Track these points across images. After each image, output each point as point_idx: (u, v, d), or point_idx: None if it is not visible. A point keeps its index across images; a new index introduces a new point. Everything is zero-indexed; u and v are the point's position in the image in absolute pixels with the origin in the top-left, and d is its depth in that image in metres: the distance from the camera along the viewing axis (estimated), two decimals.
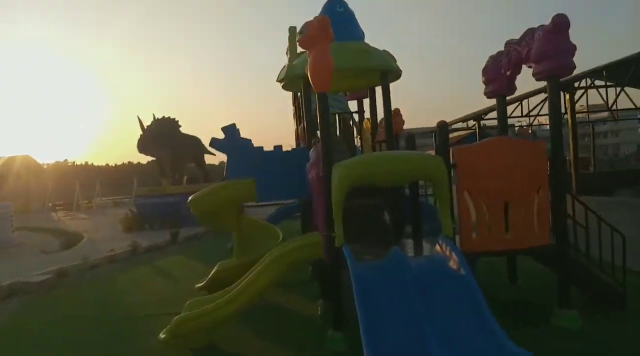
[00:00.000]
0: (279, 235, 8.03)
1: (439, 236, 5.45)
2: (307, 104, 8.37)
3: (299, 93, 12.62)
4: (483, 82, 6.58)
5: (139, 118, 18.48)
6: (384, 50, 7.37)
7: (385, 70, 7.27)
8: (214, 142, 7.59)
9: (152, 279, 9.54)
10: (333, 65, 4.99)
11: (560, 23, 4.94)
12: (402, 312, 4.11)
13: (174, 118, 19.19)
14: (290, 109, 11.02)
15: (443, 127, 5.37)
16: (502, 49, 6.13)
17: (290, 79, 7.52)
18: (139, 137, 18.45)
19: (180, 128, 19.27)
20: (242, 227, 8.17)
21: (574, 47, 5.02)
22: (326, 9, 7.66)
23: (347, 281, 4.43)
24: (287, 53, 12.59)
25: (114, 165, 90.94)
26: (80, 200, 33.73)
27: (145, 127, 18.47)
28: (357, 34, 7.64)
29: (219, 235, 15.36)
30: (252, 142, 7.72)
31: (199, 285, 7.68)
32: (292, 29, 12.27)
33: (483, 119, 14.18)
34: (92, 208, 32.70)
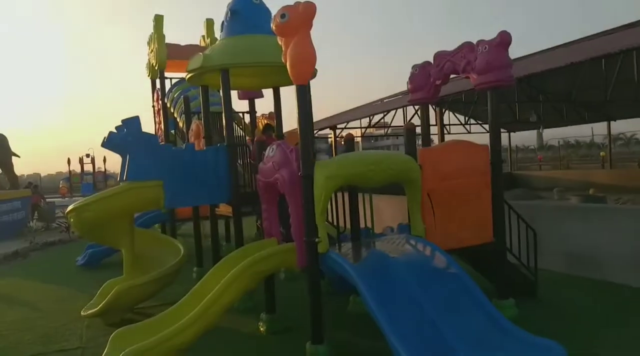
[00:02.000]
0: (180, 250, 7.03)
1: (401, 235, 5.52)
2: (206, 101, 7.64)
3: (158, 88, 11.55)
4: (409, 90, 6.87)
5: None
6: None
7: None
8: (113, 137, 6.30)
9: (7, 306, 7.44)
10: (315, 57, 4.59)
11: (506, 38, 5.47)
12: (416, 312, 3.99)
13: None
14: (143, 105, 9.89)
15: (411, 131, 5.42)
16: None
17: (205, 70, 6.69)
18: None
19: None
20: (135, 241, 6.92)
21: (512, 62, 5.63)
22: None
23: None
24: (151, 43, 11.34)
25: None
26: None
27: None
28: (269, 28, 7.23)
29: (45, 251, 12.96)
30: None
31: (91, 311, 6.23)
32: (158, 18, 11.14)
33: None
34: None
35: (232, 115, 6.90)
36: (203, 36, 12.09)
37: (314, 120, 7.55)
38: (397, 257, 4.70)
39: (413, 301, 4.08)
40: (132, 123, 6.42)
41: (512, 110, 16.71)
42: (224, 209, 7.61)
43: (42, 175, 50.35)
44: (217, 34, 11.99)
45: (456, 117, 18.51)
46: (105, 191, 6.67)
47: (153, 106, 12.04)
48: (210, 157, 6.78)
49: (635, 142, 50.27)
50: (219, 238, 7.84)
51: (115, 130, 6.39)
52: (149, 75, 12.05)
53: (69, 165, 46.87)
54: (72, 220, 6.41)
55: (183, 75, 12.16)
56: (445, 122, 18.20)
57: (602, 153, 32.69)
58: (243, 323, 5.94)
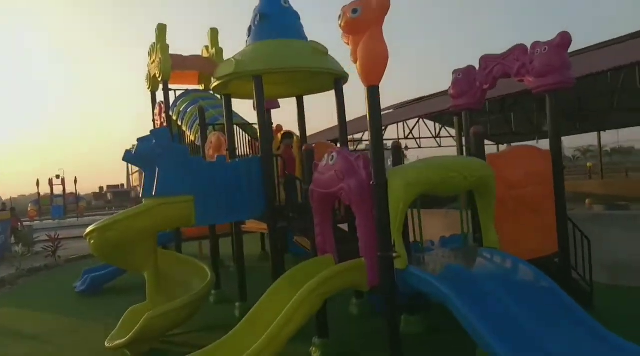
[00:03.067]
0: (207, 273, 6.43)
1: (471, 248, 5.13)
2: (229, 111, 7.19)
3: (160, 101, 10.99)
4: (452, 95, 6.58)
5: None
6: None
7: (340, 75, 6.71)
8: (141, 148, 5.74)
9: (11, 341, 6.66)
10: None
11: (567, 39, 5.25)
12: (514, 328, 3.61)
13: None
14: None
15: (478, 135, 5.06)
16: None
17: (237, 77, 6.25)
18: None
19: None
20: (159, 263, 6.31)
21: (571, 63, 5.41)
22: (268, 2, 6.72)
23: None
24: (153, 53, 10.81)
25: None
26: None
27: None
28: (303, 33, 6.88)
29: (32, 277, 12.08)
30: None
31: (118, 342, 5.56)
32: (161, 27, 10.67)
33: None
34: None
35: (266, 124, 6.45)
36: (206, 46, 11.62)
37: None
38: (478, 271, 4.32)
39: (509, 316, 3.72)
40: (161, 134, 5.90)
41: (507, 121, 16.72)
42: (254, 225, 7.11)
43: (4, 197, 48.11)
44: (223, 43, 11.61)
45: (427, 126, 18.25)
46: (131, 208, 6.06)
47: (153, 120, 11.44)
48: (242, 170, 6.30)
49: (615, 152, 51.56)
50: (243, 258, 7.27)
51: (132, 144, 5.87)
52: (148, 88, 11.46)
53: (37, 187, 44.93)
54: (92, 241, 5.76)
55: (187, 87, 11.77)
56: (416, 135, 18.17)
57: (588, 165, 33.16)
58: (292, 349, 5.39)
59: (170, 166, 5.74)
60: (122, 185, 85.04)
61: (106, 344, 5.70)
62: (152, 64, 10.99)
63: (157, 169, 5.72)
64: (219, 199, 6.04)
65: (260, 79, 6.28)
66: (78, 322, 7.36)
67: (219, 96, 11.40)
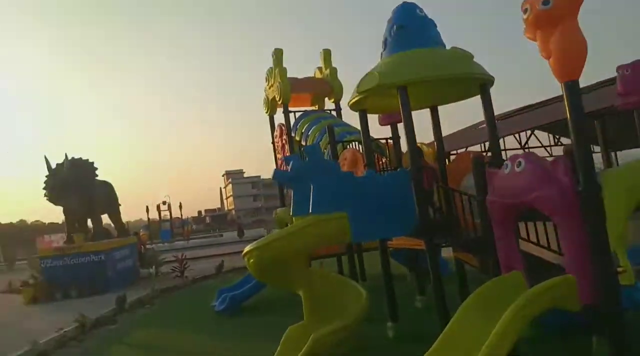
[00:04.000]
0: (362, 294, 6.22)
1: None
2: (366, 126, 7.03)
3: (281, 123, 11.21)
4: (619, 93, 5.94)
5: (46, 159, 14.74)
6: None
7: (487, 80, 6.31)
8: (296, 165, 5.75)
9: None
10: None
11: None
12: None
13: (90, 161, 15.77)
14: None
15: None
16: None
17: (380, 90, 6.09)
18: (46, 181, 14.64)
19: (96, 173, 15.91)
20: (313, 284, 6.23)
21: None
22: (403, 12, 6.53)
23: None
24: (270, 77, 11.10)
25: None
26: None
27: (55, 170, 14.78)
28: (441, 40, 6.60)
29: (165, 298, 12.65)
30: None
31: None
32: (278, 51, 10.92)
33: None
34: None
35: (414, 137, 6.21)
36: (319, 67, 11.79)
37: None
38: None
39: None
40: (314, 151, 5.88)
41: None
42: (401, 242, 6.84)
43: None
44: (337, 63, 11.67)
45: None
46: (286, 228, 6.07)
47: (273, 143, 11.73)
48: (392, 184, 6.09)
49: None
50: (390, 276, 6.99)
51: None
52: (266, 112, 11.82)
53: (147, 213, 48.34)
54: (251, 260, 5.82)
55: (300, 108, 11.99)
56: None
57: None
58: None
59: (324, 183, 5.68)
60: (219, 208, 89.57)
61: None
62: (269, 88, 11.31)
63: (311, 186, 5.68)
64: (372, 214, 5.86)
65: (405, 90, 6.07)
66: (233, 343, 7.43)
67: (334, 114, 11.60)
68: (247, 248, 5.86)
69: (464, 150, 16.59)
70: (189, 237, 43.50)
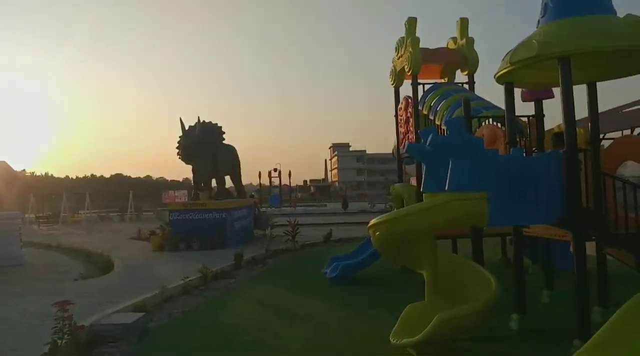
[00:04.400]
0: (492, 284, 5.74)
1: None
2: (511, 100, 6.41)
3: (406, 96, 10.76)
4: None
5: (181, 121, 15.87)
6: None
7: None
8: (437, 139, 5.42)
9: (288, 322, 7.03)
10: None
11: None
12: None
13: (218, 125, 16.73)
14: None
15: None
16: None
17: (540, 60, 5.47)
18: (179, 142, 15.83)
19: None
20: (438, 265, 5.94)
21: None
22: None
23: None
24: (401, 47, 10.68)
25: (75, 177, 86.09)
26: (67, 213, 30.45)
27: (187, 131, 15.89)
28: (611, 6, 5.73)
29: (282, 259, 13.14)
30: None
31: (406, 341, 5.35)
32: (411, 21, 10.46)
33: None
34: (79, 223, 29.37)
35: (573, 117, 5.55)
36: (453, 37, 11.11)
37: None
38: None
39: None
40: (456, 124, 5.50)
41: None
42: (539, 230, 6.28)
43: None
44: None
45: None
46: (420, 203, 5.82)
47: (396, 116, 11.40)
48: (540, 166, 5.52)
49: None
50: (522, 265, 6.47)
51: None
52: (392, 84, 11.47)
53: (259, 178, 50.75)
54: (377, 233, 5.66)
55: (428, 81, 11.44)
56: None
57: None
58: None
59: (466, 159, 5.29)
60: (323, 179, 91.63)
61: (391, 340, 5.52)
62: (398, 58, 10.91)
63: (449, 162, 5.33)
64: (514, 198, 5.36)
65: (567, 62, 5.40)
66: (343, 310, 7.47)
67: (466, 87, 10.91)
68: (374, 220, 5.70)
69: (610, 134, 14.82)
70: (295, 205, 45.00)
